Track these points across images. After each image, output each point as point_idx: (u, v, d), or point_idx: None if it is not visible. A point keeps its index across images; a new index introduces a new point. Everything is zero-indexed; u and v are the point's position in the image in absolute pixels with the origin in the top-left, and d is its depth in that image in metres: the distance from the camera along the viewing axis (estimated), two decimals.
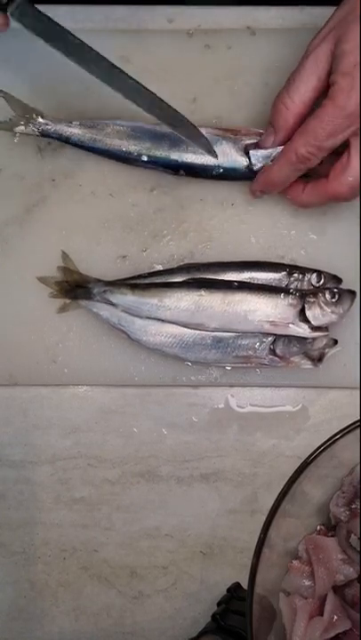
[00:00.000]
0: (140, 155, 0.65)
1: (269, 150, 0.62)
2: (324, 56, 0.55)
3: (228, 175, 0.65)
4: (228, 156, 0.64)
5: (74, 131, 0.65)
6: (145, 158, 0.65)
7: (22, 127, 0.65)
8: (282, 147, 0.60)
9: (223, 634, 0.57)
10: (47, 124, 0.65)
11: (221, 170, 0.65)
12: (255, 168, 0.64)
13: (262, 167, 0.63)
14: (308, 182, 0.61)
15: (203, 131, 0.63)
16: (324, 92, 0.56)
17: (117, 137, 0.65)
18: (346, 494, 0.57)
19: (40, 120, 0.65)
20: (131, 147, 0.65)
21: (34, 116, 0.65)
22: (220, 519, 0.66)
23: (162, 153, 0.65)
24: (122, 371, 0.66)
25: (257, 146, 0.63)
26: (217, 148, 0.64)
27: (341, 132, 0.55)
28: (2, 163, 0.68)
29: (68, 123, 0.65)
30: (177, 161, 0.65)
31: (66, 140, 0.65)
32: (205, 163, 0.65)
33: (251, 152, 0.63)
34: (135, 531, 0.66)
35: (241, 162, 0.64)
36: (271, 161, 0.62)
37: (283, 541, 0.56)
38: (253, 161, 0.63)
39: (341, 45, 0.54)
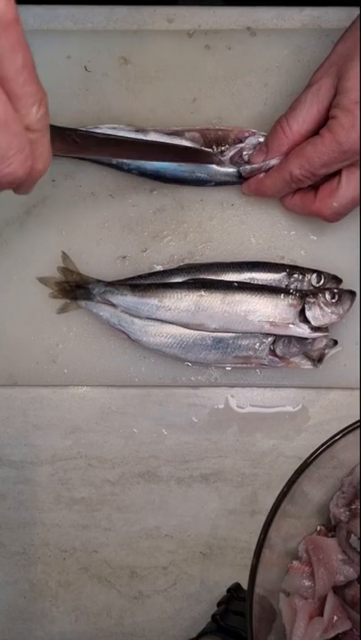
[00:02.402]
0: (129, 168, 0.65)
1: (260, 164, 0.63)
2: (326, 90, 0.56)
3: (220, 185, 0.65)
4: (219, 169, 0.64)
5: None
6: (135, 172, 0.65)
7: None
8: (272, 160, 0.61)
9: (223, 634, 0.57)
10: None
11: (213, 183, 0.65)
12: (245, 176, 0.64)
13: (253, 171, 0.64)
14: (299, 191, 0.62)
15: (195, 134, 0.64)
16: (323, 122, 0.57)
17: None
18: (346, 495, 0.57)
19: None
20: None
21: None
22: (220, 519, 0.66)
23: (152, 166, 0.65)
24: (122, 371, 0.66)
25: (247, 161, 0.63)
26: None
27: (336, 163, 0.56)
28: None
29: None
30: (165, 175, 0.65)
31: None
32: (195, 177, 0.65)
33: (240, 168, 0.64)
34: (135, 531, 0.66)
35: (231, 173, 0.64)
36: (265, 172, 0.63)
37: (283, 542, 0.56)
38: (244, 174, 0.64)
39: (343, 82, 0.54)
